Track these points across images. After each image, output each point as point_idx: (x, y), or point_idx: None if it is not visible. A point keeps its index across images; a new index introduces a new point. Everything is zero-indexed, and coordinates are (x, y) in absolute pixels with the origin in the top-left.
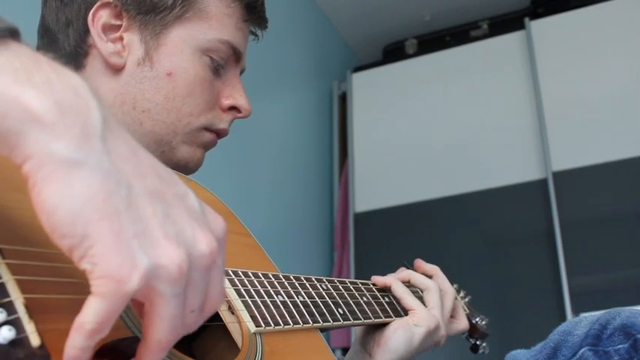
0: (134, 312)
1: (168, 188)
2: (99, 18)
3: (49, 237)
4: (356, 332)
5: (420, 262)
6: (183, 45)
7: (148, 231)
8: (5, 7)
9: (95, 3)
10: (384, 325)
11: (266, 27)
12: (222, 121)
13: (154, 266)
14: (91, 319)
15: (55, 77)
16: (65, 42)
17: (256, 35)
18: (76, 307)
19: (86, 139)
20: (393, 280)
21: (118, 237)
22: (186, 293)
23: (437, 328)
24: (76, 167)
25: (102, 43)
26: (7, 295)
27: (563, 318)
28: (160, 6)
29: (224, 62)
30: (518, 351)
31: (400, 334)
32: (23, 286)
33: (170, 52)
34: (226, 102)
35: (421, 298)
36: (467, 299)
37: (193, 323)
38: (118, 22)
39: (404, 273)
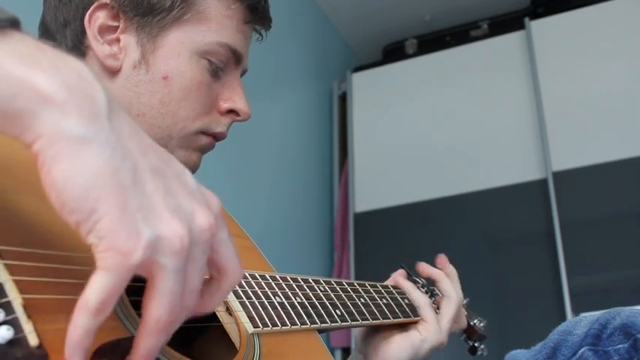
0: (132, 312)
1: (168, 166)
2: (96, 19)
3: (58, 213)
4: (356, 340)
5: (422, 266)
6: (181, 48)
7: (152, 205)
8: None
9: (92, 4)
10: (385, 332)
11: (270, 27)
12: (220, 125)
13: (157, 238)
14: (95, 296)
15: (60, 62)
16: (63, 42)
17: (260, 34)
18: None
19: (95, 116)
20: (411, 287)
21: (123, 211)
22: (187, 269)
23: (442, 344)
24: (85, 144)
25: (98, 45)
26: (5, 295)
27: (563, 318)
28: (158, 8)
29: (223, 65)
30: (518, 351)
31: (405, 350)
32: (21, 287)
33: (167, 56)
34: (225, 105)
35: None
36: (465, 301)
37: (193, 304)
38: (115, 24)
39: (436, 272)
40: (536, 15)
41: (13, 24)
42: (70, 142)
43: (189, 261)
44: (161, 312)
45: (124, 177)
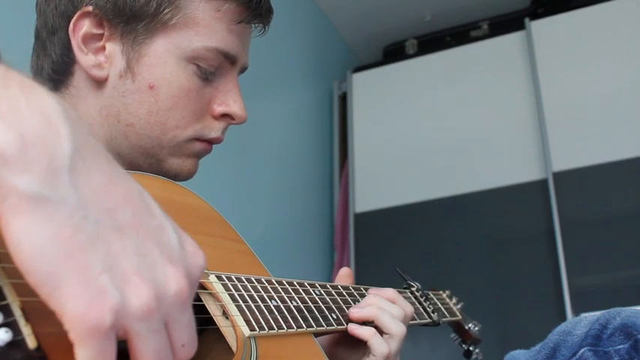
0: None
1: (142, 222)
2: (80, 28)
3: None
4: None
5: (351, 327)
6: (167, 55)
7: (117, 267)
8: (7, 7)
9: (77, 12)
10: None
11: (270, 19)
12: (214, 130)
13: (123, 303)
14: None
15: (24, 103)
16: (52, 50)
17: (264, 27)
18: None
19: (52, 173)
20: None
21: (84, 275)
22: (171, 330)
23: None
24: (41, 203)
25: (82, 56)
26: (3, 298)
27: (563, 318)
28: (142, 14)
29: (214, 69)
30: (518, 351)
31: None
32: (19, 290)
33: (152, 64)
34: (218, 109)
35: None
36: (459, 305)
37: (189, 355)
38: (100, 31)
39: (365, 333)
40: (536, 15)
41: None
42: (23, 200)
43: (170, 322)
44: None
45: (84, 238)
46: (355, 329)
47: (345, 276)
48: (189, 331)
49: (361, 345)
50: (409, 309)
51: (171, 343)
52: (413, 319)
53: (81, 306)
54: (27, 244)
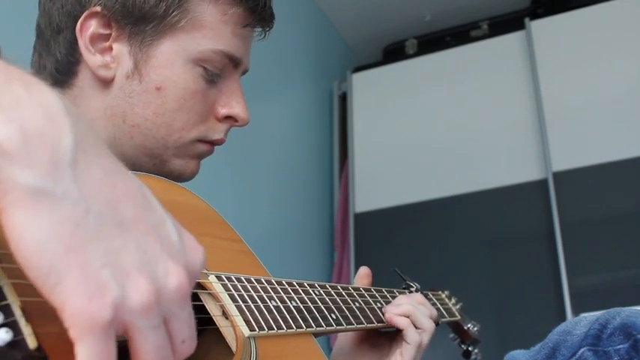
0: None
1: (143, 216)
2: (87, 28)
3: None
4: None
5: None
6: (174, 57)
7: (118, 262)
8: (5, 4)
9: (84, 12)
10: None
11: (272, 25)
12: (217, 132)
13: (122, 298)
14: None
15: (25, 97)
16: (56, 49)
17: (264, 31)
18: None
19: (54, 166)
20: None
21: (84, 269)
22: (171, 326)
23: None
24: (42, 196)
25: (89, 56)
26: (4, 298)
27: (563, 318)
28: (150, 15)
29: (219, 71)
30: (518, 351)
31: None
32: (20, 290)
33: (159, 65)
34: (222, 111)
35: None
36: (458, 306)
37: (190, 351)
38: (107, 32)
39: (402, 321)
40: (536, 15)
41: None
42: (25, 193)
43: (170, 317)
44: None
45: (86, 232)
46: (393, 317)
47: (363, 276)
48: (189, 326)
49: (385, 344)
50: (434, 311)
51: (171, 340)
52: None
53: (80, 300)
54: (29, 238)
